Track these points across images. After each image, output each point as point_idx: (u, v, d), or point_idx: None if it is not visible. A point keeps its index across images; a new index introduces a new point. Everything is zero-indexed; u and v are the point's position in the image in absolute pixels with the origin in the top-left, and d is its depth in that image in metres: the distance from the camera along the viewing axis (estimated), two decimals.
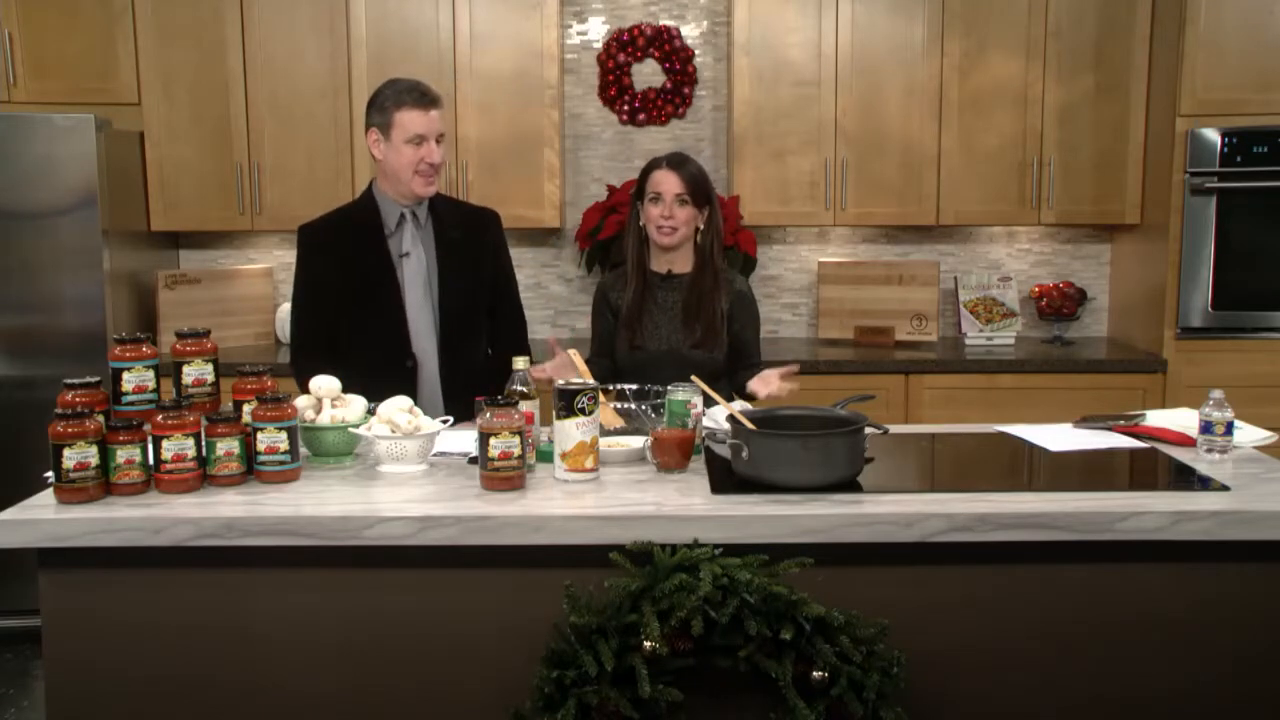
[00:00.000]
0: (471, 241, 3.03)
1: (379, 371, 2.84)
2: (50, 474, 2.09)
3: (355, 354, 2.86)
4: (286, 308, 4.57)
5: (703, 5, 4.61)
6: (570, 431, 2.19)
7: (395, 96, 2.87)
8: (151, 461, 2.15)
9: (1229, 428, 2.39)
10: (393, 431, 2.30)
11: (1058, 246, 4.73)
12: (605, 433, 2.45)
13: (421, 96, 2.87)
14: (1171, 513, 2.03)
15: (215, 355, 2.33)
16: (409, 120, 2.84)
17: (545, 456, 2.31)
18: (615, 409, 2.59)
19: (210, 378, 2.31)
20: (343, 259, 2.92)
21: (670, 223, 2.92)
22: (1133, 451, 2.51)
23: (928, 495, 2.15)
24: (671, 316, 2.98)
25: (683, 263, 3.02)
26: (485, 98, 4.30)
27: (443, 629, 2.06)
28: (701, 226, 2.98)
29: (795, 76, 4.29)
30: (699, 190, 2.93)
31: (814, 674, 1.92)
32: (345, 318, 2.92)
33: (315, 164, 4.33)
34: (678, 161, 2.96)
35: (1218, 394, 2.40)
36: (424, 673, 2.07)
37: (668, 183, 2.92)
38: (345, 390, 2.44)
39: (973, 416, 3.94)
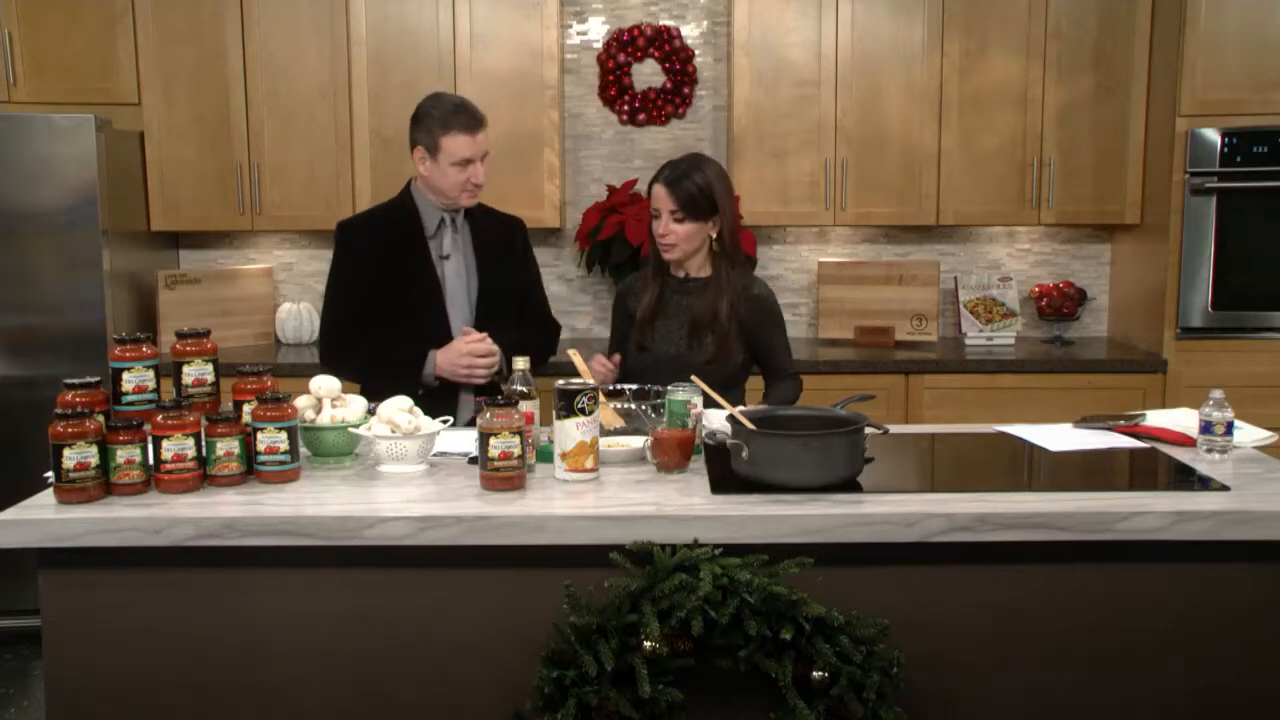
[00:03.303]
0: (505, 247, 3.11)
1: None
2: (50, 474, 2.09)
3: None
4: (287, 307, 4.57)
5: (703, 5, 4.61)
6: (570, 431, 2.19)
7: (442, 120, 2.88)
8: (151, 461, 2.15)
9: (1229, 428, 2.39)
10: (393, 431, 2.30)
11: (1058, 246, 4.73)
12: (605, 433, 2.45)
13: (470, 120, 2.89)
14: (1172, 513, 2.03)
15: (215, 355, 2.33)
16: (456, 145, 2.88)
17: (545, 456, 2.31)
18: (615, 409, 2.59)
19: (210, 378, 2.31)
20: (384, 257, 2.96)
21: (666, 240, 2.87)
22: (1133, 451, 2.50)
23: (928, 495, 2.15)
24: (682, 322, 2.93)
25: (699, 267, 2.96)
26: (485, 98, 4.23)
27: (443, 629, 2.06)
28: (714, 234, 2.90)
29: (795, 76, 4.29)
30: (694, 205, 2.83)
31: (814, 674, 1.92)
32: (381, 315, 2.94)
33: (315, 164, 4.33)
34: (673, 179, 2.84)
35: (1218, 394, 2.40)
36: (424, 673, 2.07)
37: (660, 200, 2.85)
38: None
39: (973, 416, 3.94)
